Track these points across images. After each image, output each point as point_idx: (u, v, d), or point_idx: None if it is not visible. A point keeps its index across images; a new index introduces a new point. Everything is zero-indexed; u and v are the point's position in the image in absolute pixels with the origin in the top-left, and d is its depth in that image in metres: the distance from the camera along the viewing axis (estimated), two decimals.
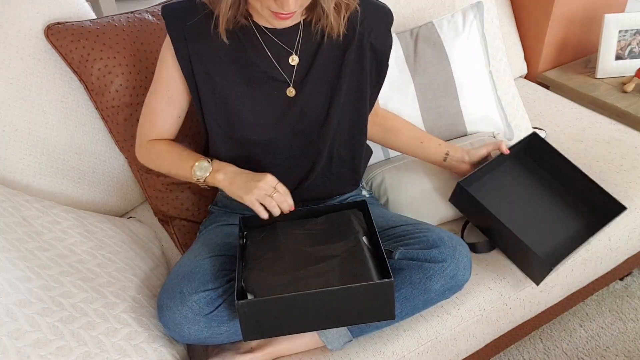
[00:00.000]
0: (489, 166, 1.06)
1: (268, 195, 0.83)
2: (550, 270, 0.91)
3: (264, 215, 0.84)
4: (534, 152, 1.12)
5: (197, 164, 0.88)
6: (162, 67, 0.89)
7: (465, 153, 1.05)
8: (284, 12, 0.75)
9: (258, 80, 0.87)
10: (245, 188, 0.84)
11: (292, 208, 0.86)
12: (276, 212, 0.84)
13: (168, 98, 0.90)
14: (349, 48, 0.88)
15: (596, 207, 1.05)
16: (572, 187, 1.08)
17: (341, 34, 0.85)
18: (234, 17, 0.81)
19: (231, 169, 0.88)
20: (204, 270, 0.82)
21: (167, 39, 0.86)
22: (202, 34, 0.84)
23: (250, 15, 0.84)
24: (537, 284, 0.96)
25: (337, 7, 0.82)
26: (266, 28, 0.85)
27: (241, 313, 0.74)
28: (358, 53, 0.89)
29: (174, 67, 0.87)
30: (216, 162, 0.89)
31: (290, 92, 0.88)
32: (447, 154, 1.04)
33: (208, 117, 0.89)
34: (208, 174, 0.87)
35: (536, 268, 0.94)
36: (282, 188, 0.85)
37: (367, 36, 0.89)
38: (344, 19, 0.84)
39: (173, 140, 0.96)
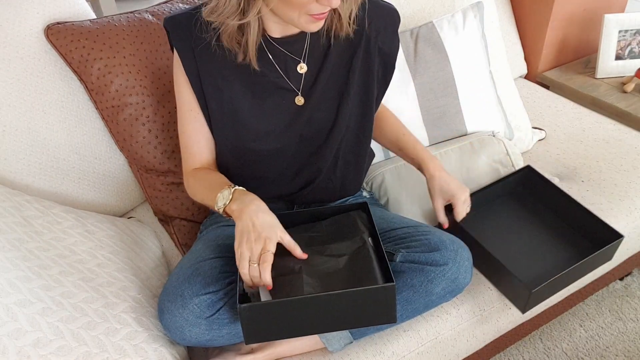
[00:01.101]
0: (482, 199, 1.04)
1: (252, 263, 0.74)
2: (530, 294, 0.88)
3: (241, 269, 0.75)
4: (529, 185, 1.11)
5: (219, 194, 0.80)
6: (178, 88, 0.87)
7: (431, 184, 0.96)
8: (325, 12, 0.73)
9: (266, 90, 0.86)
10: (241, 238, 0.75)
11: (268, 287, 0.76)
12: (248, 280, 0.76)
13: (193, 117, 0.88)
14: (356, 52, 0.87)
15: (593, 237, 1.01)
16: (568, 220, 1.05)
17: (351, 33, 0.84)
18: (256, 38, 0.79)
19: (248, 198, 0.78)
20: (205, 272, 0.82)
21: (175, 55, 0.85)
22: (209, 46, 0.82)
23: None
24: (522, 312, 0.93)
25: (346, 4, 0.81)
26: (273, 38, 0.84)
27: (243, 317, 0.74)
28: (365, 57, 0.88)
29: (187, 83, 0.86)
30: (238, 191, 0.80)
31: (299, 100, 0.87)
32: (419, 169, 0.99)
33: (216, 131, 0.88)
34: (226, 203, 0.79)
35: (519, 294, 0.92)
36: (267, 257, 0.74)
37: (375, 39, 0.88)
38: (351, 18, 0.82)
39: (214, 168, 0.92)
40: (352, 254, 0.82)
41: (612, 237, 0.97)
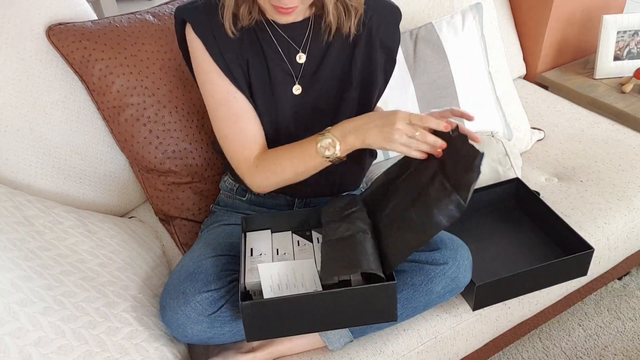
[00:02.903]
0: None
1: (410, 136, 0.75)
2: (475, 288, 0.88)
3: (420, 155, 0.77)
4: (516, 197, 1.11)
5: (318, 145, 0.80)
6: (209, 77, 0.84)
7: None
8: (283, 7, 0.74)
9: (274, 76, 0.87)
10: (384, 137, 0.76)
11: (443, 146, 0.77)
12: (418, 155, 0.77)
13: (235, 99, 0.85)
14: (358, 44, 0.88)
15: (570, 250, 0.99)
16: (549, 232, 1.05)
17: (351, 34, 0.85)
18: (249, 14, 0.81)
19: (349, 125, 0.80)
20: (207, 270, 0.82)
21: (197, 46, 0.83)
22: (224, 29, 0.82)
23: (263, 12, 0.84)
24: (473, 308, 0.94)
25: (346, 9, 0.82)
26: (276, 23, 0.85)
27: (245, 314, 0.74)
28: (367, 48, 0.89)
29: (216, 72, 0.83)
30: (334, 129, 0.81)
31: (297, 89, 0.88)
32: None
33: None
34: (338, 147, 0.80)
35: (469, 290, 0.92)
36: (417, 119, 0.75)
37: (376, 31, 0.89)
38: (354, 22, 0.83)
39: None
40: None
41: (582, 247, 0.96)
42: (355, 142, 0.80)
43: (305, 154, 0.83)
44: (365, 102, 0.93)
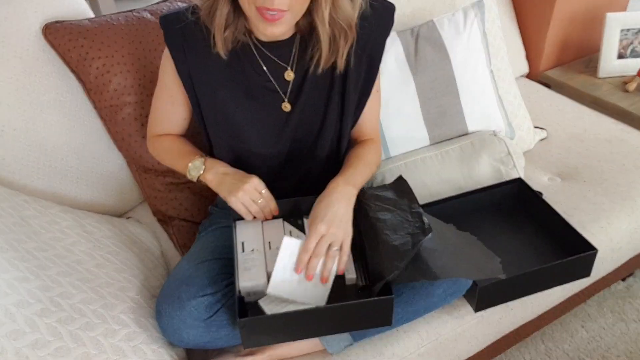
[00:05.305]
0: (467, 204, 1.03)
1: (252, 200, 0.84)
2: (477, 290, 0.87)
3: (249, 217, 0.85)
4: (518, 198, 1.10)
5: (190, 164, 0.88)
6: (164, 74, 0.89)
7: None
8: (271, 8, 0.71)
9: (256, 94, 0.87)
10: (231, 190, 0.84)
11: (276, 212, 0.87)
12: (260, 217, 0.86)
13: (171, 103, 0.91)
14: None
15: (574, 251, 0.96)
16: (552, 232, 1.03)
17: (340, 65, 0.83)
18: (232, 35, 0.80)
19: (221, 169, 0.88)
20: (202, 274, 0.82)
21: (166, 61, 0.86)
22: (202, 46, 0.82)
23: (250, 32, 0.83)
24: (475, 310, 0.93)
25: (335, 37, 0.80)
26: (262, 44, 0.84)
27: (242, 328, 0.75)
28: (353, 58, 0.86)
29: (174, 76, 0.87)
30: (209, 161, 0.89)
31: (286, 107, 0.88)
32: None
33: (210, 127, 0.90)
34: (200, 173, 0.88)
35: (472, 292, 0.90)
36: (267, 194, 0.85)
37: (360, 38, 0.85)
38: (342, 54, 0.82)
39: (181, 135, 0.97)
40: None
41: (585, 247, 0.94)
42: (211, 182, 0.87)
43: (180, 162, 0.91)
44: (345, 111, 0.90)
